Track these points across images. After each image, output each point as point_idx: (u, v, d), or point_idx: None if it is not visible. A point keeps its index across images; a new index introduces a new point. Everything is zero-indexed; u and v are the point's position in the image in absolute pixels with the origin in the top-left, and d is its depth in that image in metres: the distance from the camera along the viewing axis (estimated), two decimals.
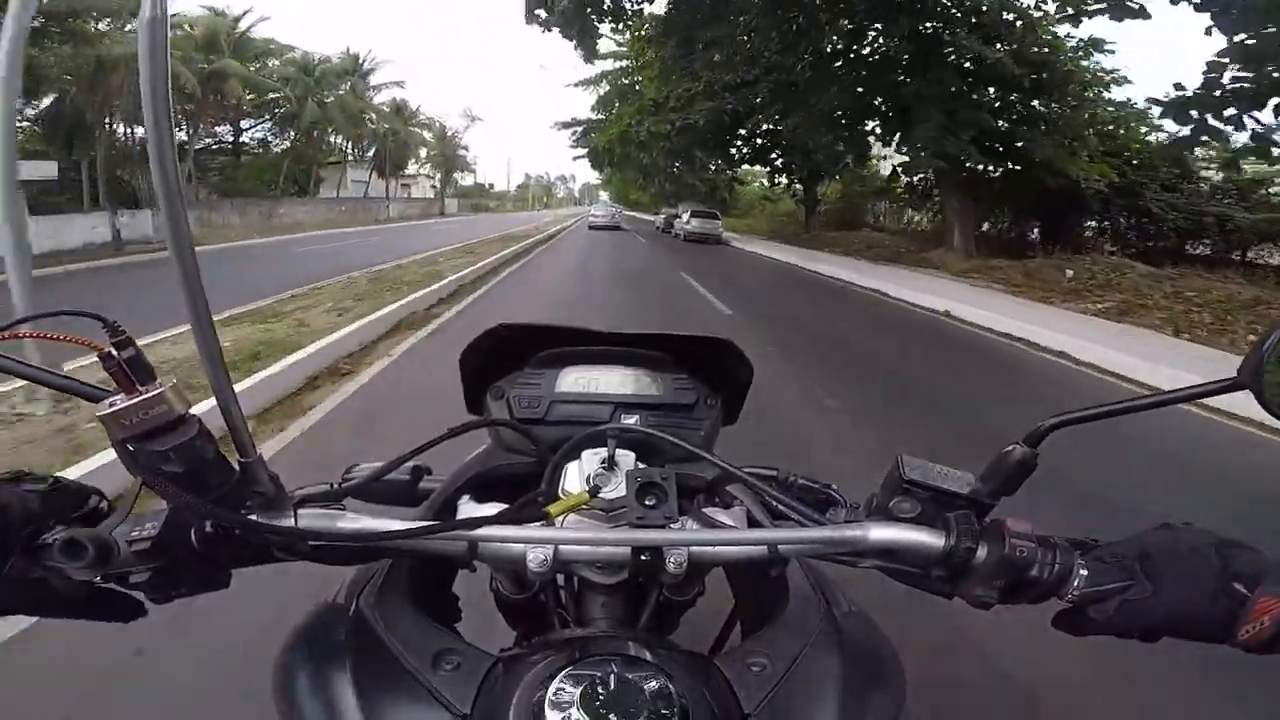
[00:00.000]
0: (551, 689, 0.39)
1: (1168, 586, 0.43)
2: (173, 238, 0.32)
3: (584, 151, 34.66)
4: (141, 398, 0.37)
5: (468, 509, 0.54)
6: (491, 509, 0.52)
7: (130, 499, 0.40)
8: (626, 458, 0.53)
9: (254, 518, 0.43)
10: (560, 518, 0.48)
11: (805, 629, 0.52)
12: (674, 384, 0.70)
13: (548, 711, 0.38)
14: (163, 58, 0.29)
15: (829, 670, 0.48)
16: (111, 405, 0.37)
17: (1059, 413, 0.46)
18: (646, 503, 0.48)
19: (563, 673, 0.40)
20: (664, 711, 0.38)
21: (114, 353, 0.37)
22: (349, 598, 0.53)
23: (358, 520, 0.46)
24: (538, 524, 0.46)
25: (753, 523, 0.56)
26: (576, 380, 0.70)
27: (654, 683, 0.40)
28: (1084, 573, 0.45)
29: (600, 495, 0.48)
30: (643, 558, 0.48)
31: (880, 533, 0.47)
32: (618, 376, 0.70)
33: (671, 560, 0.47)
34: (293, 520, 0.44)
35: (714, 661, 0.47)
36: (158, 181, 0.31)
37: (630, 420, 0.65)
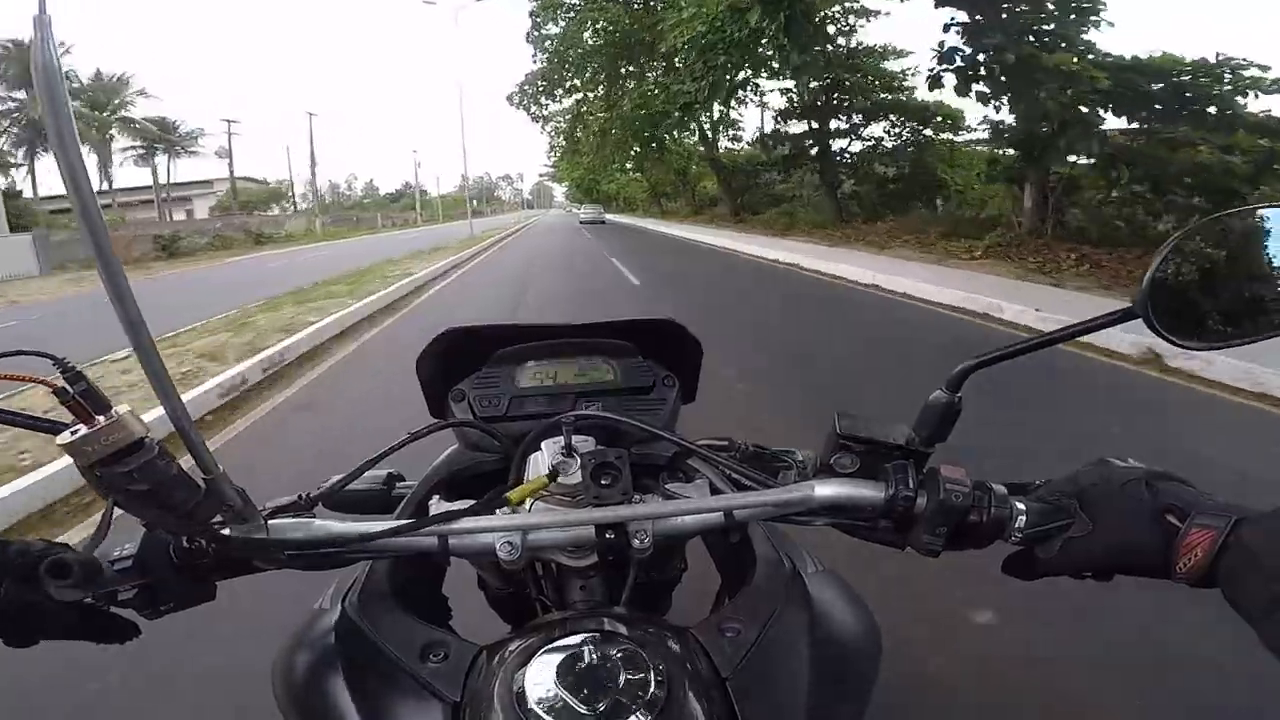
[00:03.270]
0: (531, 669, 0.41)
1: (1104, 522, 0.43)
2: (102, 265, 0.33)
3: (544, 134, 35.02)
4: (99, 426, 0.39)
5: (438, 508, 0.56)
6: (460, 506, 0.54)
7: (104, 522, 0.42)
8: (586, 443, 0.55)
9: (225, 531, 0.45)
10: (528, 507, 0.51)
11: (774, 592, 0.54)
12: (629, 368, 0.73)
13: (529, 690, 0.40)
14: (61, 97, 0.30)
15: (800, 629, 0.51)
16: (74, 434, 0.39)
17: (972, 356, 0.48)
18: (602, 482, 0.50)
19: (540, 652, 0.42)
20: (640, 681, 0.40)
21: (67, 387, 0.38)
22: (334, 602, 0.55)
23: (328, 525, 0.48)
24: (504, 514, 0.48)
25: (715, 493, 0.59)
26: (535, 375, 0.72)
27: (630, 655, 0.42)
28: (1023, 513, 0.46)
29: (560, 480, 0.50)
30: (607, 536, 0.50)
31: (824, 490, 0.49)
32: (574, 367, 0.73)
33: (636, 536, 0.50)
34: (264, 531, 0.46)
35: (689, 631, 0.49)
36: (77, 210, 0.32)
37: (592, 408, 0.67)
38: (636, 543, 0.50)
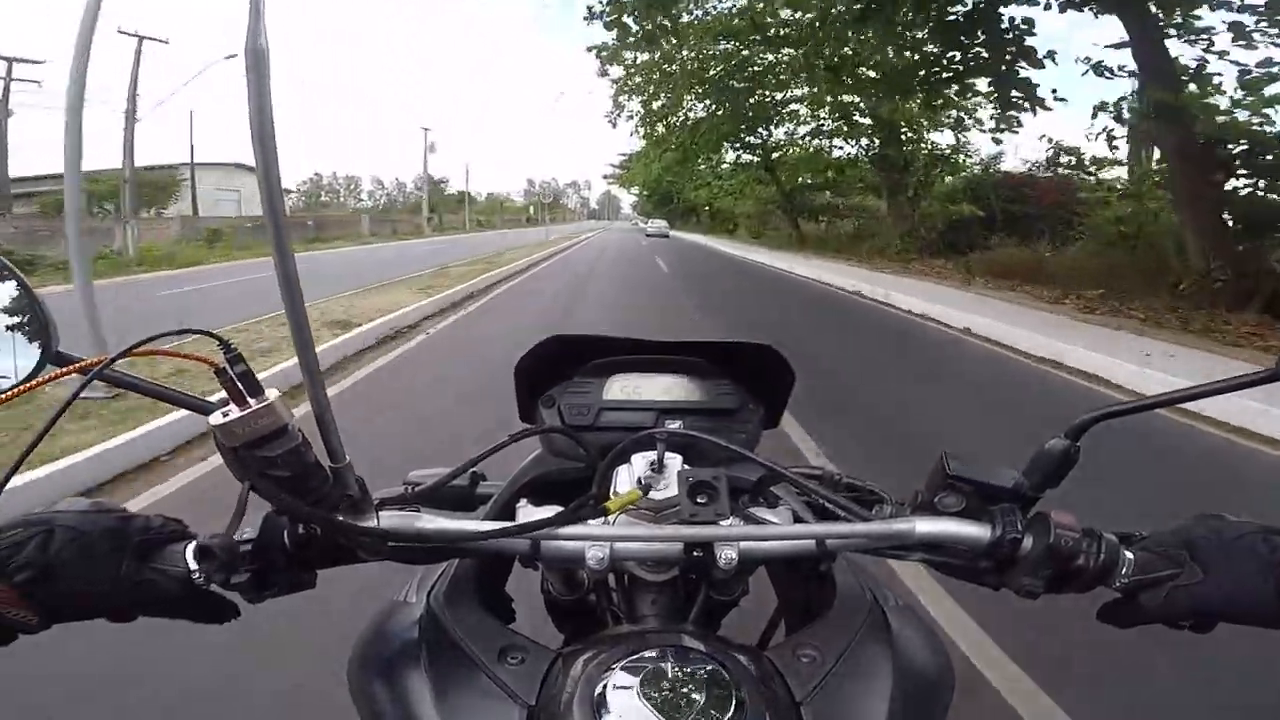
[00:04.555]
0: (612, 679, 0.42)
1: (1216, 573, 0.45)
2: (277, 253, 0.35)
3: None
4: (250, 410, 0.40)
5: (526, 512, 0.57)
6: (548, 511, 0.55)
7: (240, 506, 0.44)
8: (674, 460, 0.55)
9: (344, 519, 0.46)
10: (613, 517, 0.52)
11: (853, 622, 0.54)
12: (716, 389, 0.74)
13: (609, 699, 0.40)
14: (267, 84, 0.33)
15: (879, 660, 0.51)
16: (225, 415, 0.40)
17: (1098, 407, 0.48)
18: (698, 500, 0.50)
19: (621, 663, 0.43)
20: (720, 697, 0.41)
21: (227, 368, 0.40)
22: (418, 595, 0.57)
23: (435, 521, 0.50)
24: (596, 523, 0.49)
25: (799, 521, 0.59)
26: (623, 388, 0.74)
27: (709, 671, 0.42)
28: (1130, 561, 0.47)
29: (651, 495, 0.51)
30: (695, 554, 0.50)
31: (927, 526, 0.50)
32: (662, 383, 0.74)
33: (722, 556, 0.50)
34: (375, 521, 0.48)
35: (764, 653, 0.49)
36: (264, 195, 0.35)
37: (674, 425, 0.67)
38: (722, 562, 0.50)
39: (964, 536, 0.49)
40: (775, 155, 25.12)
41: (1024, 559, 0.48)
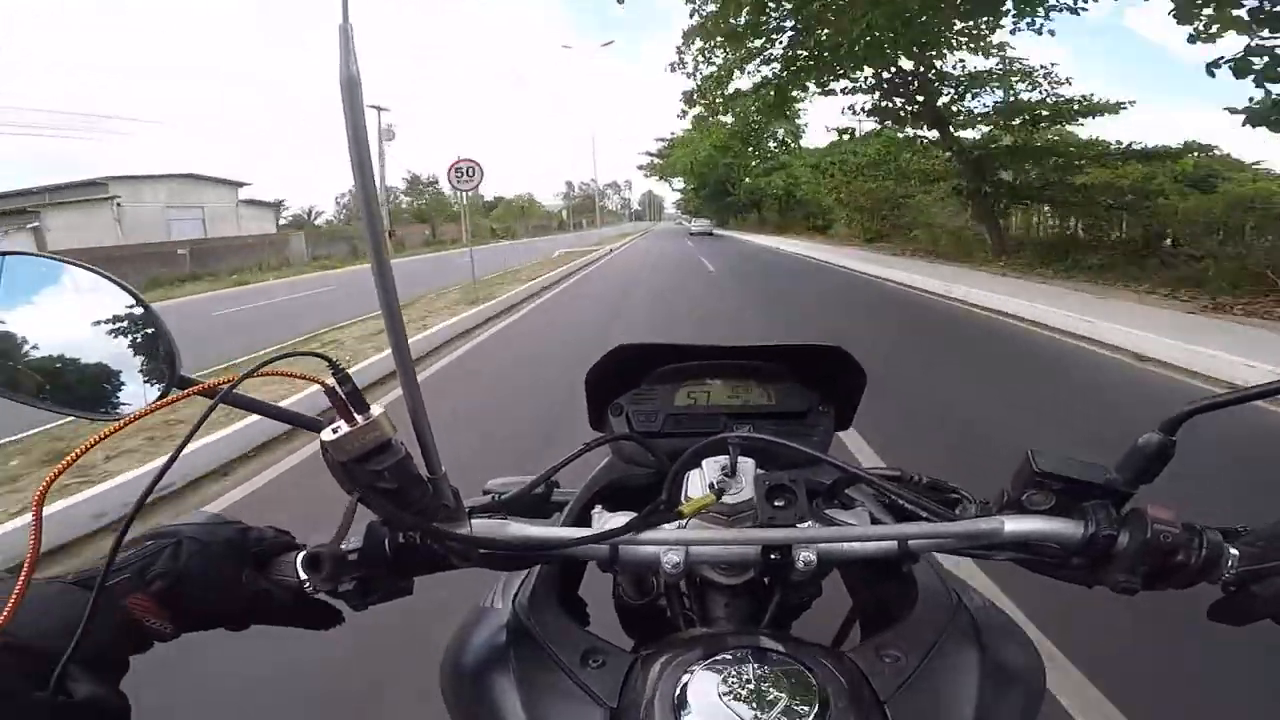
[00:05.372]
0: (692, 680, 0.43)
1: None
2: (377, 270, 0.39)
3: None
4: (358, 426, 0.43)
5: (600, 518, 0.61)
6: (623, 517, 0.59)
7: (347, 518, 0.46)
8: (746, 463, 0.57)
9: (442, 527, 0.50)
10: (686, 522, 0.54)
11: (937, 623, 0.54)
12: (784, 393, 0.76)
13: (690, 700, 0.42)
14: (360, 110, 0.37)
15: (966, 660, 0.51)
16: (335, 432, 0.44)
17: (1194, 400, 0.48)
18: (776, 504, 0.52)
19: (702, 664, 0.45)
20: (802, 697, 0.42)
21: (335, 387, 0.43)
22: (504, 601, 0.60)
23: (523, 529, 0.53)
24: (670, 528, 0.53)
25: (876, 523, 0.61)
26: (689, 394, 0.77)
27: (790, 671, 0.44)
28: (1235, 556, 0.47)
29: (724, 499, 0.53)
30: (773, 557, 0.52)
31: (1016, 525, 0.51)
32: (729, 389, 0.77)
33: (800, 559, 0.52)
34: (469, 529, 0.51)
35: (846, 654, 0.51)
36: (364, 213, 0.39)
37: (743, 429, 0.69)
38: (801, 565, 0.52)
39: (1056, 534, 0.50)
40: (953, 106, 15.45)
41: (1119, 555, 0.49)
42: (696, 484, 0.57)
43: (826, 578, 0.61)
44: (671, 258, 21.86)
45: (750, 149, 31.47)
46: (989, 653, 0.52)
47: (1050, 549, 0.51)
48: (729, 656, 0.45)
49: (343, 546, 0.50)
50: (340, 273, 22.64)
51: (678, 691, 0.43)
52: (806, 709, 0.41)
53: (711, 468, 0.56)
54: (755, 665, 0.44)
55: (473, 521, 0.51)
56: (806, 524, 0.52)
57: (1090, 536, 0.49)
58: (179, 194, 28.81)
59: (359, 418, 0.43)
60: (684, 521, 0.53)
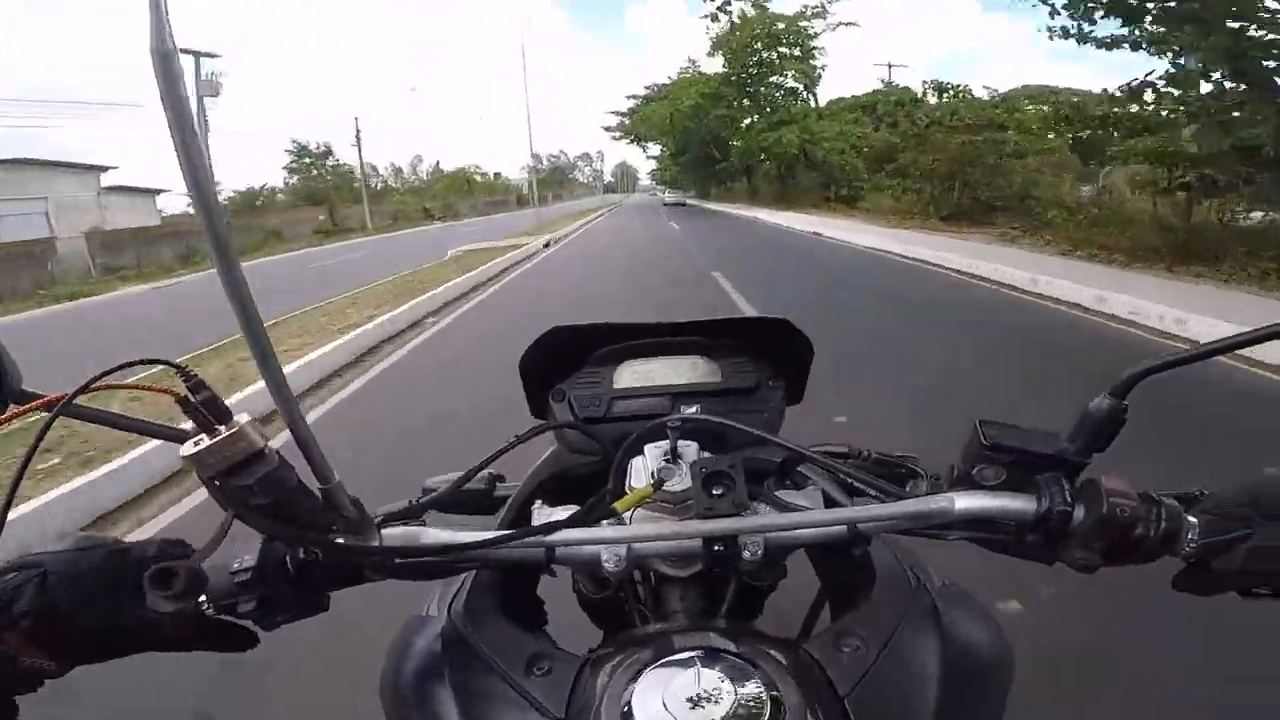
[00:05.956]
0: (639, 687, 0.43)
1: None
2: (222, 268, 0.35)
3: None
4: (221, 437, 0.41)
5: (542, 514, 0.60)
6: (564, 512, 0.58)
7: (219, 534, 0.45)
8: (690, 448, 0.57)
9: (341, 540, 0.48)
10: (629, 514, 0.54)
11: (897, 606, 0.55)
12: (733, 368, 0.75)
13: (635, 709, 0.42)
14: (180, 88, 0.33)
15: (926, 646, 0.51)
16: (196, 444, 0.41)
17: (1145, 362, 0.47)
18: (714, 493, 0.52)
19: (647, 669, 0.44)
20: (753, 699, 0.41)
21: (190, 396, 0.41)
22: (440, 609, 0.59)
23: (439, 534, 0.52)
24: (609, 523, 0.52)
25: (830, 502, 0.61)
26: (634, 374, 0.75)
27: (740, 672, 0.44)
28: (1195, 526, 0.47)
29: (665, 488, 0.53)
30: (716, 548, 0.51)
31: (966, 502, 0.49)
32: (674, 367, 0.76)
33: (747, 548, 0.52)
34: (378, 539, 0.50)
35: (802, 646, 0.51)
36: (198, 206, 0.34)
37: (691, 409, 0.70)
38: (747, 555, 0.52)
39: (1008, 511, 0.49)
40: None
41: (1076, 531, 0.47)
42: (640, 472, 0.56)
43: (792, 559, 0.61)
44: (646, 261, 13.19)
45: (746, 98, 23.68)
46: (951, 636, 0.52)
47: (1005, 526, 0.50)
48: (677, 659, 0.45)
49: (239, 565, 0.48)
50: (137, 291, 16.47)
51: (623, 702, 0.43)
52: (759, 711, 0.41)
53: (655, 454, 0.56)
54: (704, 667, 0.43)
55: (384, 530, 0.50)
56: (750, 510, 0.53)
57: (1044, 513, 0.48)
58: (6, 184, 23.85)
59: (221, 428, 0.41)
60: (628, 515, 0.53)
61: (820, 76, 24.74)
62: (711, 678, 0.42)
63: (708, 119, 29.82)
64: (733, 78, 18.63)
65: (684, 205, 41.37)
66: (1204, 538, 0.45)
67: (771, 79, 23.26)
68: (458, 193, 60.81)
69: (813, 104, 25.77)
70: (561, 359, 0.75)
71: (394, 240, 27.58)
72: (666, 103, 29.27)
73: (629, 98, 35.33)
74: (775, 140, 26.17)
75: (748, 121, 28.60)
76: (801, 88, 25.61)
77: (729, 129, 31.06)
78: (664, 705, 0.40)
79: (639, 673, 0.43)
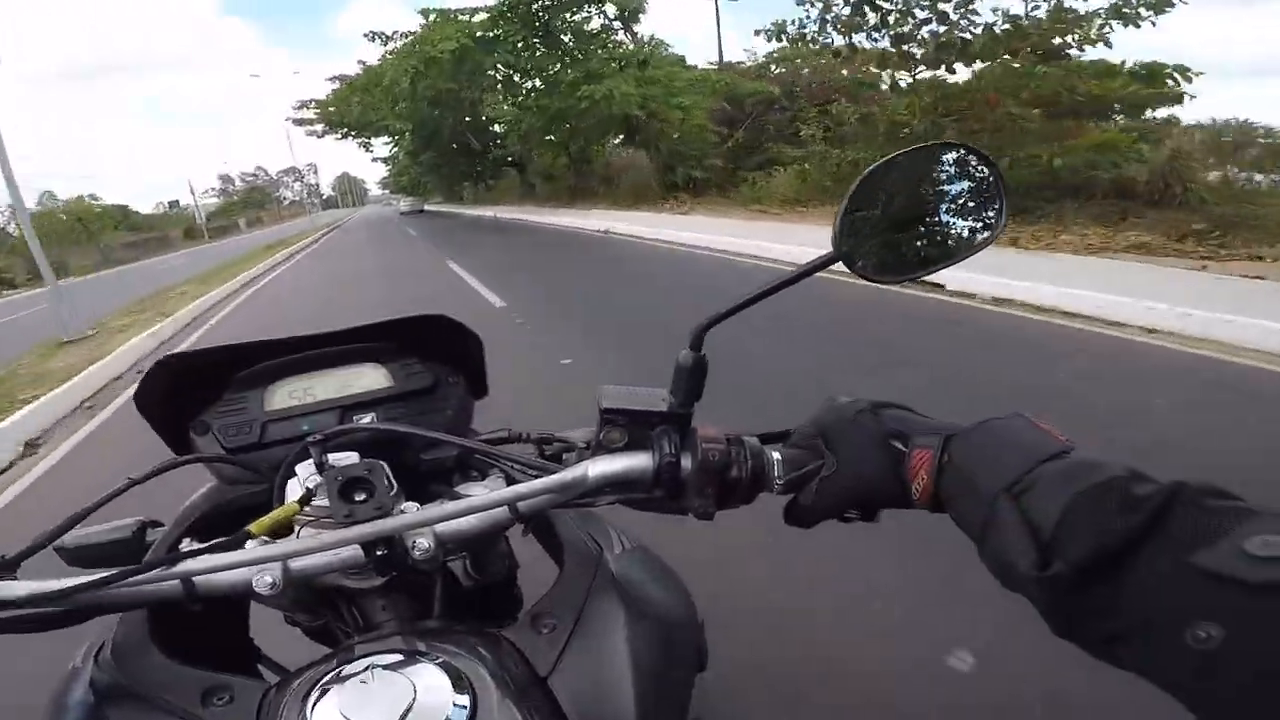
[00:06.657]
0: (322, 702, 0.43)
1: (844, 457, 0.48)
2: None
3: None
4: None
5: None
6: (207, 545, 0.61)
7: None
8: (346, 458, 0.58)
9: None
10: (296, 534, 0.55)
11: (583, 579, 0.58)
12: (404, 371, 0.74)
13: None
14: None
15: (613, 613, 0.55)
16: None
17: (710, 314, 0.51)
18: (356, 499, 0.54)
19: (325, 683, 0.45)
20: (442, 696, 0.42)
21: None
22: (85, 660, 0.57)
23: (28, 585, 0.50)
24: (254, 547, 0.52)
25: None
26: (290, 394, 0.72)
27: (426, 670, 0.44)
28: (778, 462, 0.51)
29: (315, 503, 0.54)
30: (380, 552, 0.52)
31: (597, 468, 0.53)
32: (336, 379, 0.73)
33: (416, 546, 0.53)
34: None
35: (500, 634, 0.53)
36: None
37: (365, 419, 0.69)
38: (417, 553, 0.53)
39: (631, 470, 0.52)
40: None
41: (689, 480, 0.51)
42: (298, 491, 0.57)
43: (530, 547, 0.63)
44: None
45: (537, 39, 15.11)
46: (634, 600, 0.55)
47: (637, 485, 0.53)
48: (354, 669, 0.45)
49: None
50: None
51: (305, 715, 0.43)
52: (453, 705, 0.42)
53: (305, 472, 0.57)
54: (381, 671, 0.44)
55: None
56: (402, 509, 0.54)
57: (658, 467, 0.51)
58: None
59: None
60: (296, 533, 0.54)
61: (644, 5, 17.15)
62: (394, 680, 0.42)
63: (460, 93, 20.57)
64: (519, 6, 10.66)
65: (422, 212, 41.61)
66: (787, 473, 0.49)
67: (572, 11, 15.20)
68: (59, 238, 40.41)
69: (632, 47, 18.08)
70: (197, 388, 0.70)
71: None
72: (405, 57, 18.86)
73: (329, 79, 25.41)
74: (602, 97, 16.65)
75: (547, 74, 18.88)
76: (614, 19, 17.72)
77: (503, 96, 22.25)
78: (343, 716, 0.41)
79: (317, 688, 0.44)
